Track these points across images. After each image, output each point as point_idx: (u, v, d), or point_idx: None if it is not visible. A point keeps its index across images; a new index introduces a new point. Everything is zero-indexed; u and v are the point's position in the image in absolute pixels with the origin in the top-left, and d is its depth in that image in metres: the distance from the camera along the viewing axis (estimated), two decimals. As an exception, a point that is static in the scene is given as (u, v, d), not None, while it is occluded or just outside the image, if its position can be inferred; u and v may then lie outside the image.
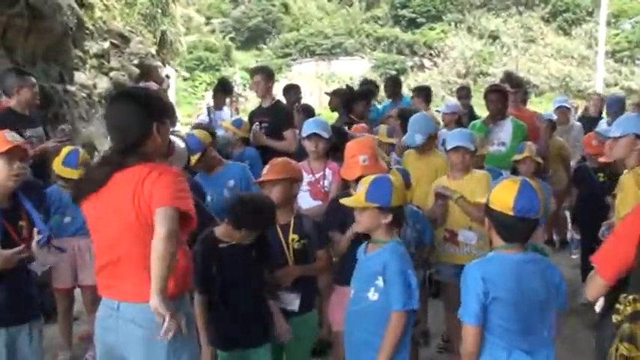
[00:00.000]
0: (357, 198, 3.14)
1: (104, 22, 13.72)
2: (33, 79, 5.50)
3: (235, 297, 3.30)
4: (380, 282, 3.01)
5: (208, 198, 4.46)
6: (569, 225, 7.56)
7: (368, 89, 7.89)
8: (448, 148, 4.46)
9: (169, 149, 2.99)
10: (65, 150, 4.73)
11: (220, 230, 3.38)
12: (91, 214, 2.71)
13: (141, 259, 2.56)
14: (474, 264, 2.78)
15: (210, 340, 3.34)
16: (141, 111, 2.64)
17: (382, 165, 3.81)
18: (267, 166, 3.83)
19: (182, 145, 4.02)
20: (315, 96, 22.73)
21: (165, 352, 2.60)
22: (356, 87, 9.26)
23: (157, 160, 2.67)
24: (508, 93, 6.10)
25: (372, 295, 3.03)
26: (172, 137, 3.35)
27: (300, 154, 5.03)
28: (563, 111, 8.33)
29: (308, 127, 4.76)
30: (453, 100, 9.57)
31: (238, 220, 3.27)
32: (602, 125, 7.33)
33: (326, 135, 4.69)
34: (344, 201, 3.28)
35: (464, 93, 9.36)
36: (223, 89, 8.90)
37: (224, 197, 4.54)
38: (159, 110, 2.71)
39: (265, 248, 3.43)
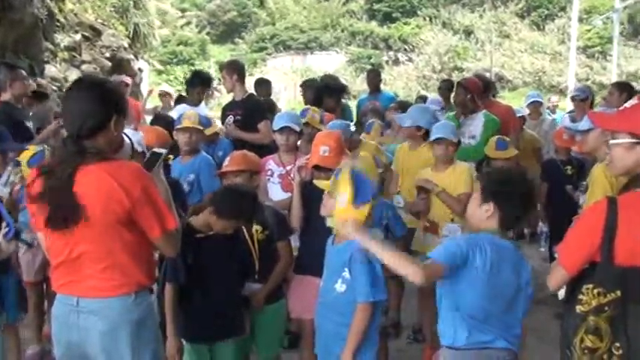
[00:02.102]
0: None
1: (75, 15, 13.56)
2: (24, 73, 5.57)
3: (211, 287, 3.30)
4: (346, 273, 3.01)
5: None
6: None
7: (339, 84, 7.85)
8: (431, 139, 4.53)
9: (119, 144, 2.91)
10: (31, 150, 4.65)
11: (198, 220, 3.37)
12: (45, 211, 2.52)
13: (103, 256, 2.51)
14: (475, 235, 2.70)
15: (179, 332, 3.30)
16: (101, 101, 2.54)
17: (342, 160, 3.80)
18: (227, 159, 3.97)
19: (127, 140, 4.04)
20: (290, 90, 22.70)
21: (129, 344, 2.55)
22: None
23: (110, 155, 2.57)
24: (476, 86, 6.13)
25: (340, 287, 3.03)
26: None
27: (273, 147, 5.04)
28: (535, 106, 8.42)
29: (279, 120, 4.78)
30: (436, 96, 9.55)
31: (227, 209, 3.27)
32: (566, 120, 7.39)
33: (297, 128, 4.71)
34: (318, 182, 3.33)
35: (444, 85, 9.08)
36: (202, 82, 7.72)
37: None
38: (119, 104, 2.62)
39: (238, 240, 3.47)
